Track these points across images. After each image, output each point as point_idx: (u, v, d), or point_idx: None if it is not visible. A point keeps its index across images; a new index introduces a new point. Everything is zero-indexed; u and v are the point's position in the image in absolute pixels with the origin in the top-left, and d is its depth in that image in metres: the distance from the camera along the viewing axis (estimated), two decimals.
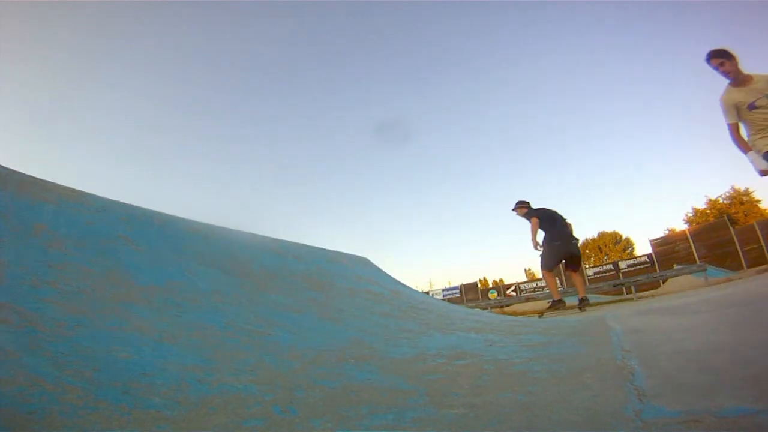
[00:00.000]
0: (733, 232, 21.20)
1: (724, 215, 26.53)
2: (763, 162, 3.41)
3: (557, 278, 27.13)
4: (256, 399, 1.09)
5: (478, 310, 6.07)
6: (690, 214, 33.61)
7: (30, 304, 1.21)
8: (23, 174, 1.94)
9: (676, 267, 17.98)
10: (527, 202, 6.15)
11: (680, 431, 0.80)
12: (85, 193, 2.14)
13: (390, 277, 4.24)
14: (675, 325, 2.06)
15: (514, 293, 26.90)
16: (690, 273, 15.54)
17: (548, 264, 5.94)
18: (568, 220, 6.15)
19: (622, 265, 25.31)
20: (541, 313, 6.14)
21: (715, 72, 3.38)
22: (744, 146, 3.55)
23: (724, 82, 3.45)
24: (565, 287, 24.61)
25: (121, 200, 2.34)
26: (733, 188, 31.49)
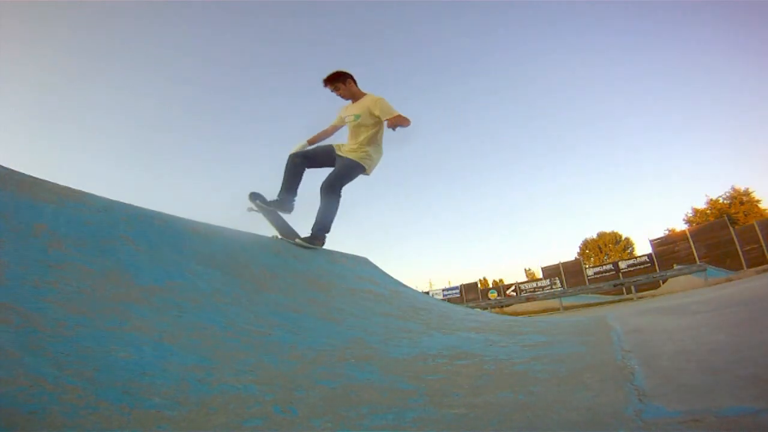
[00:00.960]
0: (733, 232, 21.21)
1: (724, 215, 26.53)
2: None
3: (557, 278, 27.11)
4: (256, 399, 1.09)
5: (478, 310, 6.05)
6: (690, 214, 33.62)
7: (30, 304, 1.21)
8: (23, 174, 1.94)
9: (676, 267, 18.00)
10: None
11: (680, 431, 0.80)
12: (85, 193, 2.14)
13: (390, 277, 4.24)
14: (675, 325, 2.06)
15: (514, 293, 26.90)
16: (690, 273, 15.57)
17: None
18: None
19: (622, 265, 25.31)
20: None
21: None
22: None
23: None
24: (565, 287, 24.59)
25: (121, 200, 2.34)
26: (733, 188, 31.51)
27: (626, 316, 2.95)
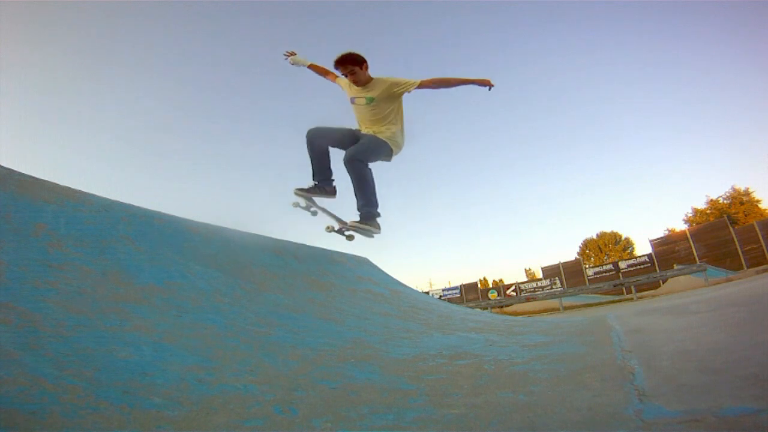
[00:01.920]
0: (733, 232, 21.21)
1: (725, 215, 26.54)
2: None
3: (557, 278, 27.12)
4: (256, 399, 1.09)
5: (478, 310, 6.05)
6: (690, 215, 33.63)
7: (30, 304, 1.21)
8: (23, 174, 1.94)
9: (676, 267, 18.00)
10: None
11: (680, 431, 0.80)
12: (85, 193, 2.14)
13: (390, 277, 4.24)
14: (675, 325, 2.06)
15: (514, 293, 26.88)
16: (690, 273, 15.56)
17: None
18: None
19: (622, 265, 25.30)
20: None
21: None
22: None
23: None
24: (565, 287, 24.59)
25: (121, 200, 2.34)
26: (733, 188, 31.52)
27: (626, 317, 2.95)
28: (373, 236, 3.35)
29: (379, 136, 3.36)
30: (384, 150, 3.38)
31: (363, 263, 4.21)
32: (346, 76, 3.39)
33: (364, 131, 3.44)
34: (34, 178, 1.98)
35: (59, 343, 1.09)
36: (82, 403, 0.88)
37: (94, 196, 2.17)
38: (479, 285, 31.50)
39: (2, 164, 1.91)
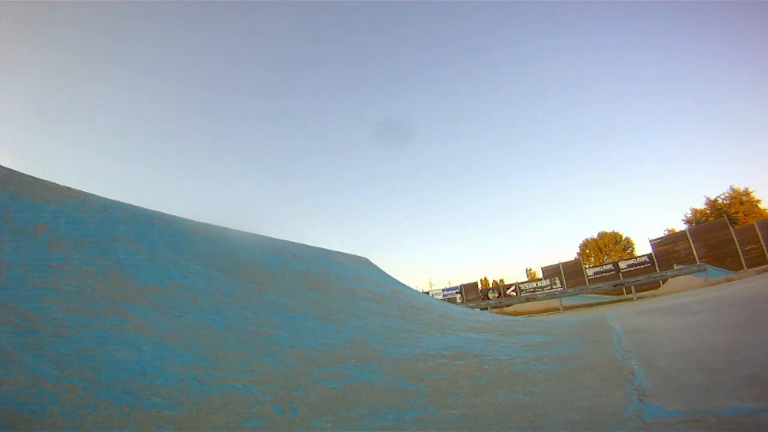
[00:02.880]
0: (733, 232, 21.19)
1: (724, 215, 26.54)
2: None
3: (557, 278, 27.12)
4: (256, 399, 1.09)
5: (478, 310, 6.05)
6: (689, 215, 33.64)
7: (30, 304, 1.21)
8: (23, 174, 1.94)
9: (676, 267, 17.97)
10: None
11: (680, 431, 0.80)
12: (86, 193, 2.14)
13: (390, 277, 4.24)
14: (675, 325, 2.06)
15: (514, 293, 26.88)
16: (690, 273, 15.55)
17: None
18: None
19: (622, 265, 25.28)
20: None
21: None
22: None
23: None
24: (565, 287, 24.60)
25: (121, 200, 2.34)
26: (731, 188, 31.50)
27: (626, 316, 2.95)
28: None
29: None
30: None
31: (363, 263, 4.20)
32: None
33: None
34: (34, 178, 1.98)
35: (59, 343, 1.09)
36: (82, 403, 0.88)
37: (94, 196, 2.17)
38: (479, 285, 31.49)
39: (2, 164, 1.91)
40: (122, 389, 0.98)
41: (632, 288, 17.63)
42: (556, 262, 28.90)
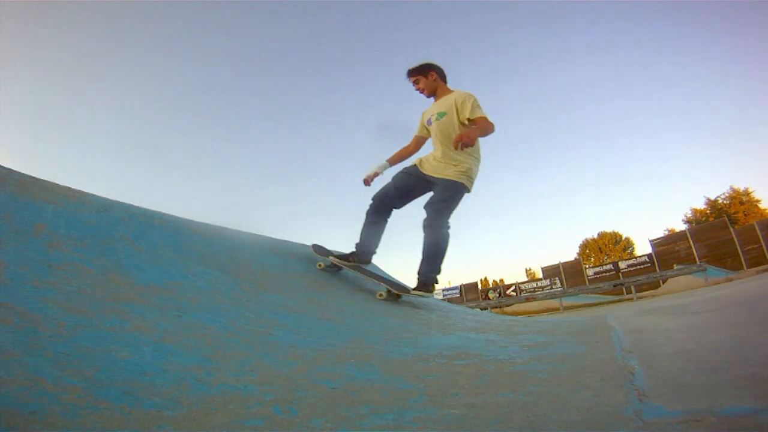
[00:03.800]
0: (733, 232, 21.21)
1: (724, 215, 26.53)
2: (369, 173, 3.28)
3: (557, 278, 27.11)
4: (256, 399, 1.09)
5: (478, 310, 6.05)
6: (689, 215, 33.63)
7: (30, 304, 1.21)
8: (23, 174, 1.94)
9: (676, 267, 18.00)
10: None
11: (680, 431, 0.80)
12: (85, 193, 2.14)
13: (390, 276, 4.24)
14: (675, 325, 2.06)
15: (514, 293, 26.88)
16: (690, 273, 15.58)
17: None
18: None
19: (622, 265, 25.31)
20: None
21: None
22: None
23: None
24: (565, 287, 24.59)
25: (121, 200, 2.34)
26: (731, 188, 31.51)
27: (626, 316, 2.95)
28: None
29: (448, 176, 2.98)
30: (462, 194, 3.04)
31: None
32: (414, 86, 3.15)
33: (429, 170, 3.09)
34: (34, 178, 1.98)
35: (59, 343, 1.09)
36: (82, 403, 0.88)
37: (94, 196, 2.17)
38: (479, 285, 31.49)
39: (2, 164, 1.91)
40: (122, 389, 0.98)
41: (632, 288, 17.66)
42: (556, 262, 28.92)
